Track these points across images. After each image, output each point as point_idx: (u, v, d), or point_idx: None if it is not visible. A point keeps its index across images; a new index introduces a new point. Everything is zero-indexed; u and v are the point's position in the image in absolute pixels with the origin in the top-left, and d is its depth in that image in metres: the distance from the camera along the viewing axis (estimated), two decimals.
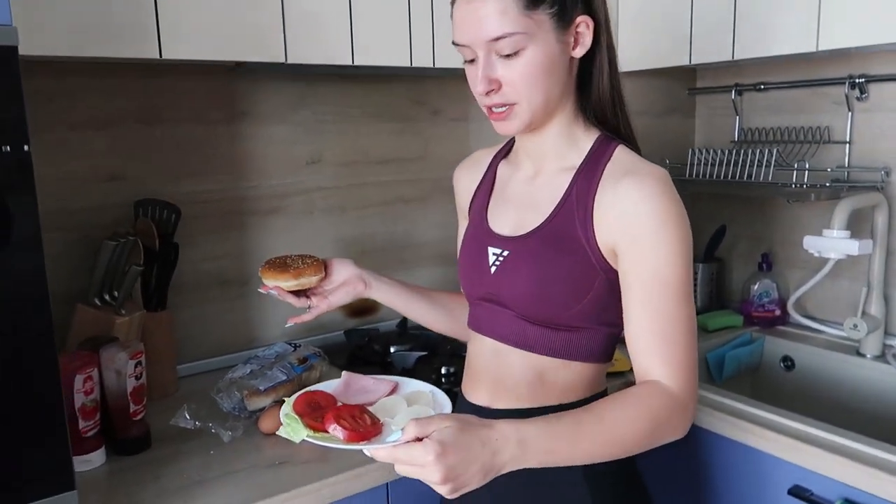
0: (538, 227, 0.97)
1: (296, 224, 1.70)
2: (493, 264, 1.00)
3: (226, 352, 1.60)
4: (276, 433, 0.77)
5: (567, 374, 0.98)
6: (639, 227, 0.88)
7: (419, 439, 0.71)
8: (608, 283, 0.94)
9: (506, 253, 0.99)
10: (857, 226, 1.51)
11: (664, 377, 0.86)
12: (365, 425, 0.76)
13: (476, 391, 1.03)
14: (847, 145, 1.64)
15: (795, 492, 1.17)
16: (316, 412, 0.79)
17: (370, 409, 0.82)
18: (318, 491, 1.06)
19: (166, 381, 1.41)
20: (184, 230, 1.45)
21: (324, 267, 1.08)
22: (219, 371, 1.53)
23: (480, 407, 1.00)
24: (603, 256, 0.93)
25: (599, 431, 0.80)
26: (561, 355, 0.97)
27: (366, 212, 1.81)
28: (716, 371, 1.68)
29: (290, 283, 1.04)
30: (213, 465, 1.11)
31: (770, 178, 1.64)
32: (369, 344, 1.66)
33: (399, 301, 1.13)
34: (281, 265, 1.06)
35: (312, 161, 1.71)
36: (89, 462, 1.11)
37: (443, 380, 1.45)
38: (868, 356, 1.55)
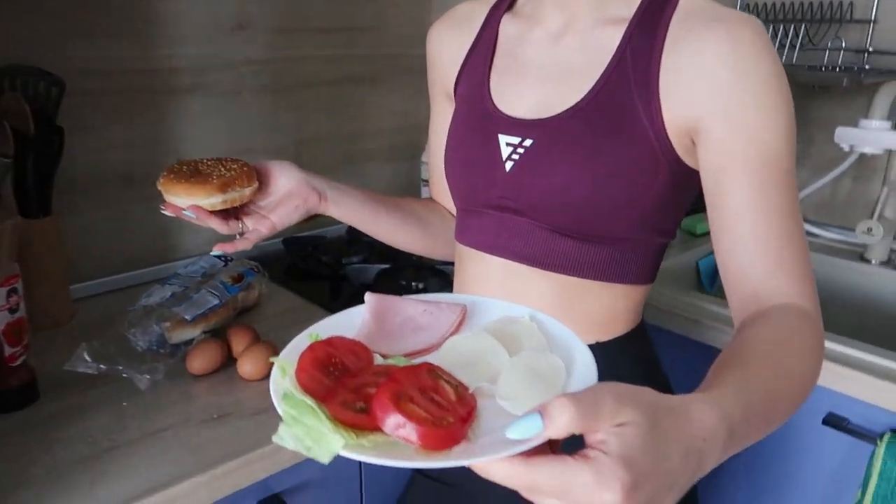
0: (578, 103, 0.71)
1: (219, 107, 1.35)
2: (510, 159, 0.74)
3: (135, 267, 1.28)
4: (274, 439, 0.42)
5: (606, 302, 0.75)
6: (737, 94, 0.64)
7: (564, 447, 0.42)
8: (671, 180, 0.70)
9: (528, 142, 0.73)
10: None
11: (797, 296, 0.62)
12: (451, 408, 0.45)
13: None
14: (870, 24, 1.42)
15: (831, 421, 1.02)
16: (343, 385, 0.46)
17: (437, 363, 0.52)
18: (274, 454, 0.81)
19: (56, 308, 1.09)
20: (72, 111, 1.10)
21: (256, 175, 0.78)
22: (126, 292, 1.22)
23: None
24: (670, 142, 0.68)
25: (787, 392, 0.54)
26: (601, 276, 0.74)
27: (305, 94, 1.48)
28: (707, 279, 1.51)
29: (214, 200, 0.73)
30: (129, 424, 0.84)
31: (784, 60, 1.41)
32: (314, 255, 1.38)
33: (363, 217, 0.86)
34: (193, 174, 0.75)
35: (240, 26, 1.34)
36: None
37: None
38: (874, 262, 1.41)
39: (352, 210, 0.84)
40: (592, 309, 0.75)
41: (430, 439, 0.42)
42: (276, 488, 0.86)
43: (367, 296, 0.60)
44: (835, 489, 1.06)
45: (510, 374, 0.50)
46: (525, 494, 0.41)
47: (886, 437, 0.95)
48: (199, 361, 0.94)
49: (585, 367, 0.50)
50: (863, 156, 1.33)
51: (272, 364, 0.49)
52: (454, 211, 0.90)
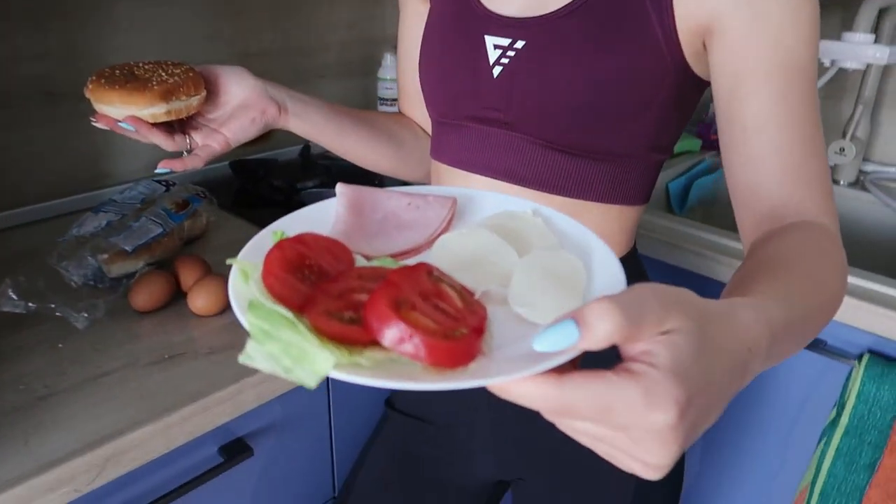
0: None
1: (149, 12, 1.20)
2: (498, 63, 0.65)
3: (60, 195, 1.15)
4: (241, 360, 0.34)
5: (599, 224, 0.69)
6: None
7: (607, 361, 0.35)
8: (677, 90, 0.63)
9: (520, 44, 0.64)
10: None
11: (821, 214, 0.57)
12: (460, 317, 0.38)
13: None
14: None
15: (812, 342, 1.00)
16: (323, 291, 0.38)
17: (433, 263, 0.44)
18: (235, 397, 0.73)
19: None
20: None
21: (203, 82, 0.67)
22: (52, 223, 1.10)
23: None
24: (679, 44, 0.60)
25: (824, 306, 0.48)
26: (596, 196, 0.67)
27: (248, 0, 1.33)
28: (676, 202, 1.47)
29: (156, 111, 0.63)
30: (67, 368, 0.74)
31: None
32: (266, 179, 1.27)
33: (327, 132, 0.76)
34: (129, 79, 0.64)
35: None
36: None
37: None
38: (843, 183, 1.39)
39: (314, 124, 0.75)
40: None
41: (442, 354, 0.35)
42: (239, 432, 0.78)
43: (340, 187, 0.50)
44: (808, 411, 1.05)
45: (523, 277, 0.42)
46: (553, 418, 0.35)
47: (865, 359, 0.94)
48: (145, 296, 0.84)
49: (609, 268, 0.43)
50: (840, 72, 1.28)
51: (228, 293, 0.40)
52: (428, 127, 0.81)
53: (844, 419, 0.96)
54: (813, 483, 1.00)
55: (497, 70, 0.65)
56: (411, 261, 0.46)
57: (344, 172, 1.29)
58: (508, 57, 0.64)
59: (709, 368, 0.33)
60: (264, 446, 0.81)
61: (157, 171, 0.66)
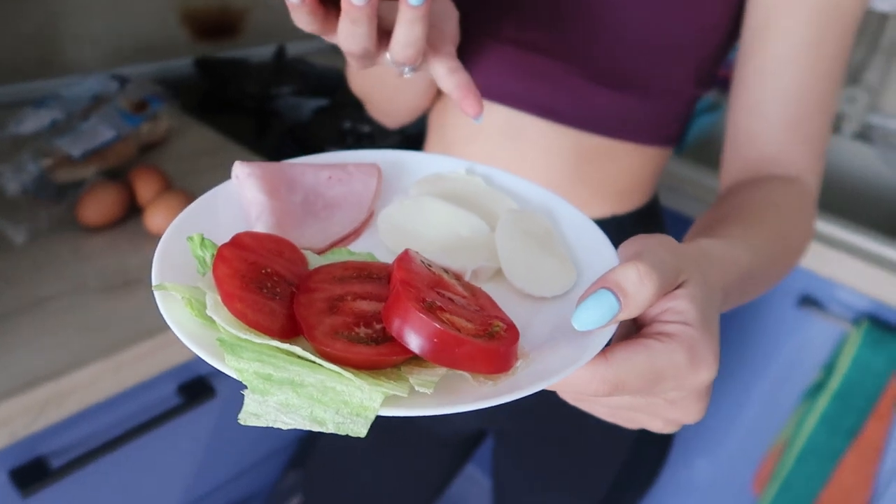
0: None
1: None
2: None
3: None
4: (245, 421, 0.26)
5: (632, 167, 0.62)
6: None
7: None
8: (732, 18, 0.55)
9: None
10: None
11: (809, 173, 0.53)
12: (479, 306, 0.33)
13: None
14: None
15: (808, 302, 0.96)
16: (306, 305, 0.31)
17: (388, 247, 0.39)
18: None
19: None
20: None
21: None
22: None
23: None
24: None
25: (783, 262, 0.47)
26: (635, 136, 0.59)
27: None
28: None
29: None
30: (1, 290, 0.64)
31: None
32: (235, 82, 1.14)
33: None
34: None
35: None
36: None
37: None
38: (847, 133, 1.33)
39: None
40: (614, 175, 0.61)
41: (496, 359, 0.29)
42: (200, 370, 0.71)
43: (242, 166, 0.40)
44: (794, 369, 1.03)
45: (509, 247, 0.38)
46: (600, 401, 0.34)
47: (865, 325, 0.90)
48: (95, 209, 0.74)
49: (576, 222, 0.41)
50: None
51: None
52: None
53: (834, 383, 0.93)
54: (791, 444, 0.99)
55: None
56: (359, 245, 0.39)
57: (321, 79, 1.16)
58: None
59: (715, 314, 0.33)
60: (228, 387, 0.73)
61: (477, 121, 0.42)
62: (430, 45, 0.40)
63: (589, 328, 0.30)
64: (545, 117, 0.58)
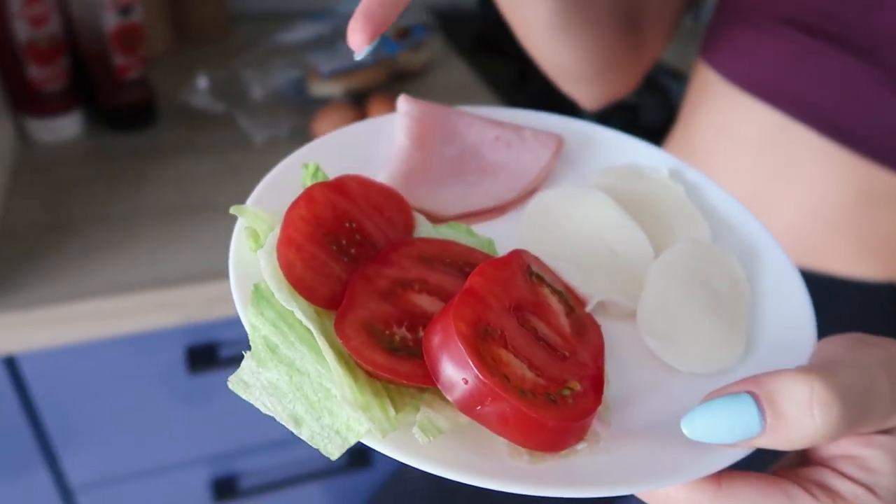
0: None
1: None
2: None
3: None
4: (231, 386, 0.23)
5: None
6: None
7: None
8: None
9: None
10: None
11: None
12: (569, 355, 0.25)
13: None
14: None
15: None
16: (366, 282, 0.25)
17: (522, 240, 0.32)
18: None
19: (208, 19, 0.95)
20: None
21: None
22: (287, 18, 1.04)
23: None
24: None
25: None
26: None
27: None
28: None
29: None
30: (225, 184, 0.70)
31: None
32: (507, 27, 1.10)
33: None
34: None
35: None
36: (53, 129, 0.72)
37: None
38: None
39: None
40: None
41: (536, 433, 0.22)
42: None
43: (404, 103, 0.35)
44: None
45: (659, 288, 0.28)
46: None
47: None
48: (328, 127, 0.76)
49: (784, 282, 0.30)
50: None
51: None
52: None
53: None
54: None
55: None
56: (491, 227, 0.32)
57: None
58: None
59: None
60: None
61: (358, 56, 0.39)
62: None
63: (704, 440, 0.21)
64: (824, 133, 0.44)
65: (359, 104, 0.79)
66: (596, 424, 0.24)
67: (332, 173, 0.30)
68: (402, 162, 0.33)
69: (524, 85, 1.03)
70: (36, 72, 0.68)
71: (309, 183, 0.29)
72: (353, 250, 0.27)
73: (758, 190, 0.47)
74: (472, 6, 1.17)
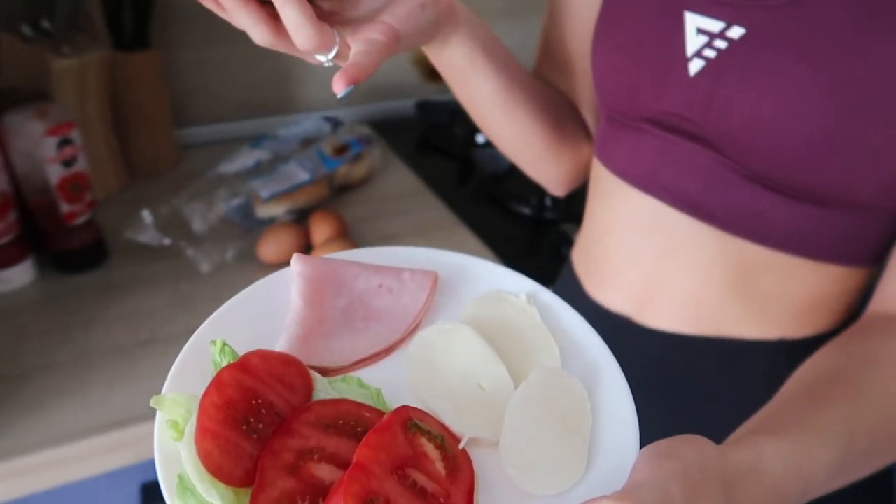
0: None
1: None
2: (700, 56, 0.47)
3: (251, 114, 1.15)
4: None
5: (809, 285, 0.50)
6: None
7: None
8: None
9: (736, 32, 0.45)
10: None
11: None
12: (442, 492, 0.29)
13: (610, 285, 0.56)
14: None
15: None
16: (273, 458, 0.29)
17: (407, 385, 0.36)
18: None
19: (157, 153, 0.99)
20: None
21: None
22: (233, 144, 1.10)
23: (618, 316, 0.54)
24: None
25: (875, 446, 0.39)
26: (810, 253, 0.48)
27: None
28: None
29: None
30: (176, 315, 0.72)
31: None
32: (449, 125, 1.17)
33: (493, 64, 0.52)
34: None
35: None
36: (5, 280, 0.74)
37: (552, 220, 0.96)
38: None
39: (483, 48, 0.51)
40: (786, 292, 0.49)
41: None
42: None
43: (299, 262, 0.39)
44: None
45: (517, 421, 0.33)
46: None
47: None
48: (271, 248, 0.80)
49: (618, 402, 0.35)
50: None
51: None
52: (586, 109, 0.63)
53: None
54: None
55: (696, 65, 0.46)
56: (380, 370, 0.36)
57: None
58: (716, 49, 0.45)
59: None
60: None
61: (338, 95, 0.39)
62: (355, 28, 0.40)
63: None
64: (695, 217, 0.49)
65: (302, 221, 0.83)
66: None
67: (237, 339, 0.33)
68: (297, 325, 0.36)
69: (466, 182, 1.08)
70: None
71: (218, 358, 0.33)
72: (260, 426, 0.30)
73: (653, 268, 0.52)
74: (411, 111, 1.24)
